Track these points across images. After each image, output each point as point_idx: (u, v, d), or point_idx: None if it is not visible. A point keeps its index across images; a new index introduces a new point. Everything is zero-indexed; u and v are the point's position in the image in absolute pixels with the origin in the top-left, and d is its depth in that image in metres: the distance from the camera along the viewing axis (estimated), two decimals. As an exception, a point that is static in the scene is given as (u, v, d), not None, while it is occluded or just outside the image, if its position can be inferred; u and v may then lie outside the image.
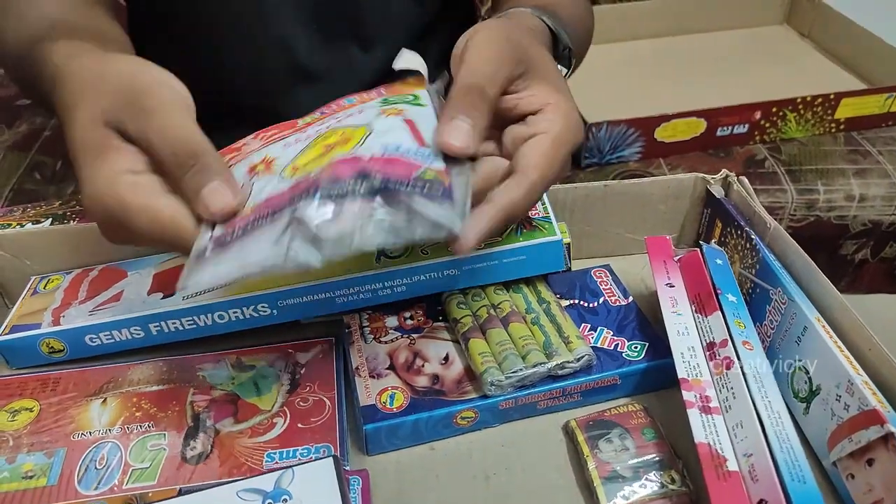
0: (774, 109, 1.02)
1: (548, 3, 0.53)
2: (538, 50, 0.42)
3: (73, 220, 0.58)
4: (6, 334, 0.47)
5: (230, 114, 0.63)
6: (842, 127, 1.07)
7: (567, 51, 0.50)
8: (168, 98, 0.36)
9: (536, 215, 0.48)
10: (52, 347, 0.47)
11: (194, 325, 0.47)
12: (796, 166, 1.01)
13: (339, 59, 0.68)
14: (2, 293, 0.53)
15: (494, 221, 0.36)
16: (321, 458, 0.36)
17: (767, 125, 1.03)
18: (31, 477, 0.40)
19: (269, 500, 0.34)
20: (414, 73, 0.42)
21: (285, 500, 0.34)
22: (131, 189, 0.34)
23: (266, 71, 0.66)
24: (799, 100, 1.02)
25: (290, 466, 0.36)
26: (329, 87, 0.65)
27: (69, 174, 0.99)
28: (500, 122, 0.39)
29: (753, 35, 1.36)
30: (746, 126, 1.03)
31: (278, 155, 0.38)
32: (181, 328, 0.47)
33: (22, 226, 0.58)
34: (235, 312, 0.46)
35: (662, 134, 1.00)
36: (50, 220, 0.59)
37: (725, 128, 1.02)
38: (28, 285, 0.51)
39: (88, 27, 0.49)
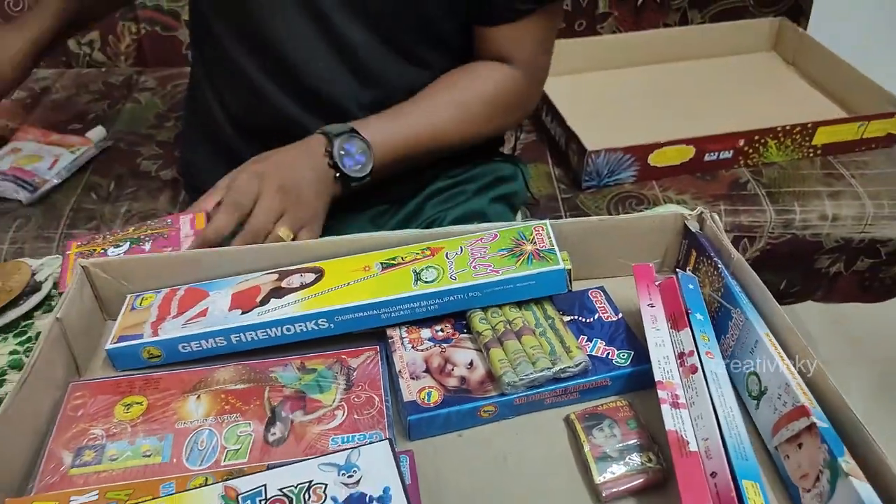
0: (757, 137, 1.13)
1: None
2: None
3: (147, 243, 0.70)
4: (115, 343, 0.58)
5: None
6: (819, 152, 1.18)
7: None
8: None
9: (543, 248, 0.59)
10: (151, 353, 0.58)
11: (267, 336, 0.58)
12: (775, 189, 1.12)
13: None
14: (101, 308, 0.64)
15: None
16: (379, 441, 0.47)
17: (750, 151, 1.14)
18: (149, 455, 0.51)
19: (343, 471, 0.45)
20: None
21: (355, 471, 0.45)
22: None
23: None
24: (779, 128, 1.13)
25: (357, 446, 0.47)
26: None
27: (121, 195, 1.10)
28: None
29: (743, 61, 1.46)
30: (731, 152, 1.14)
31: None
32: (256, 338, 0.58)
33: (105, 250, 0.69)
34: (300, 326, 0.57)
35: (655, 159, 1.11)
36: (128, 243, 0.71)
37: (712, 153, 1.13)
38: (126, 302, 0.63)
39: None
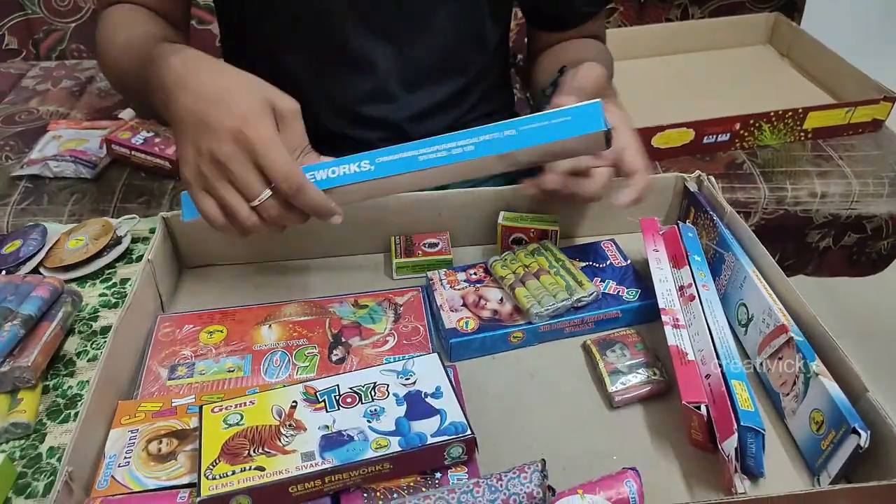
0: (752, 121, 1.22)
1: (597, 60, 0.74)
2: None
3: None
4: None
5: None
6: (809, 135, 1.27)
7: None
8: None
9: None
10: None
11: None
12: (769, 168, 1.21)
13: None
14: (177, 256, 0.73)
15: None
16: (430, 354, 0.57)
17: (746, 134, 1.24)
18: (232, 371, 0.61)
19: (402, 375, 0.55)
20: None
21: (411, 374, 0.55)
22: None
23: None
24: (772, 113, 1.22)
25: (412, 357, 0.56)
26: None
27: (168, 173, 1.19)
28: None
29: (740, 54, 1.56)
30: (728, 135, 1.23)
31: None
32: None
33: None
34: (344, 168, 0.57)
35: (658, 141, 1.21)
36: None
37: (711, 136, 1.23)
38: None
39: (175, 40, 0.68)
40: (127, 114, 1.28)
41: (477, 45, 0.84)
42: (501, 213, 0.73)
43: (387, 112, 0.83)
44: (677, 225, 0.68)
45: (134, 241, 0.78)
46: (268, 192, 0.55)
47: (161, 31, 0.73)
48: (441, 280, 0.68)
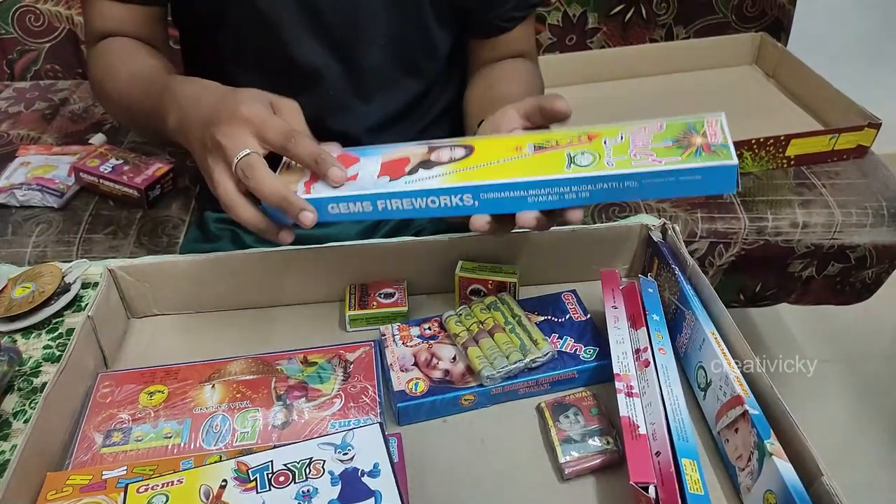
0: (732, 149, 1.19)
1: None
2: None
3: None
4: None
5: None
6: (792, 162, 1.25)
7: None
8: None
9: (716, 142, 0.53)
10: None
11: (411, 207, 0.56)
12: (750, 197, 1.19)
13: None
14: (126, 307, 0.71)
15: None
16: (371, 424, 0.55)
17: (727, 162, 1.21)
18: (170, 437, 0.58)
19: (339, 449, 0.53)
20: None
21: (349, 449, 0.53)
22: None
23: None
24: (753, 140, 1.20)
25: (352, 429, 0.54)
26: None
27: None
28: None
29: (725, 74, 1.53)
30: (709, 163, 1.20)
31: None
32: (401, 207, 0.56)
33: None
34: (445, 199, 0.55)
35: (636, 170, 1.18)
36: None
37: (690, 164, 1.20)
38: (283, 159, 0.61)
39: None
40: (97, 139, 1.26)
41: (426, 50, 0.84)
42: (459, 264, 0.71)
43: (345, 125, 0.83)
44: (638, 279, 0.66)
45: (85, 286, 0.76)
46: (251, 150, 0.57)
47: (161, 62, 0.78)
48: (394, 336, 0.66)
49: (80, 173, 1.16)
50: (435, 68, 0.86)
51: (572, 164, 0.54)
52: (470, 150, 0.59)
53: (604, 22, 1.51)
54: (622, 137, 0.56)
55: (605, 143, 0.56)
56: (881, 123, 1.23)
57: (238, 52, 0.82)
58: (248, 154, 0.57)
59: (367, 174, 0.58)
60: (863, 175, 1.25)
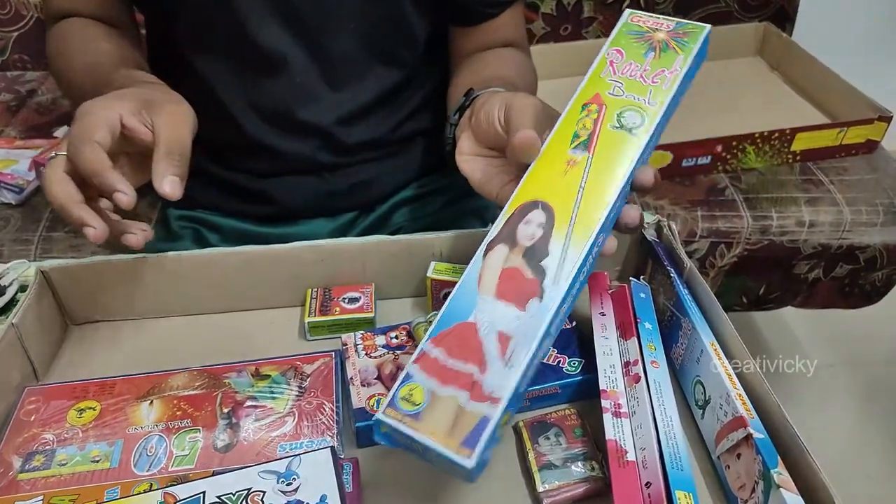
0: (735, 143, 1.13)
1: (509, 81, 0.65)
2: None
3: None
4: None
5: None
6: (798, 158, 1.18)
7: None
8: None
9: (668, 26, 0.55)
10: None
11: (572, 299, 0.47)
12: (753, 194, 1.12)
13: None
14: (64, 313, 0.64)
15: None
16: (321, 448, 0.48)
17: (728, 157, 1.15)
18: (97, 461, 0.52)
19: (283, 479, 0.46)
20: None
21: (294, 478, 0.46)
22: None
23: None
24: (757, 134, 1.13)
25: (298, 454, 0.47)
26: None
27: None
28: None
29: (728, 66, 1.46)
30: (709, 157, 1.14)
31: None
32: (565, 311, 0.47)
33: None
34: (586, 264, 0.47)
35: (632, 165, 1.11)
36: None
37: (690, 159, 1.13)
38: None
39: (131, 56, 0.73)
40: (62, 132, 1.19)
41: (401, 36, 0.77)
42: (432, 265, 0.64)
43: (314, 115, 0.77)
44: (629, 283, 0.59)
45: (23, 288, 0.69)
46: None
47: (116, 48, 0.74)
48: (356, 345, 0.59)
49: (42, 168, 1.09)
50: (412, 57, 0.80)
51: (632, 131, 0.51)
52: (542, 206, 0.49)
53: (600, 11, 1.45)
54: (615, 87, 0.53)
55: (618, 95, 0.53)
56: (892, 116, 1.16)
57: (198, 37, 0.76)
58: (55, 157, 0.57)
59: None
60: (873, 171, 1.18)
